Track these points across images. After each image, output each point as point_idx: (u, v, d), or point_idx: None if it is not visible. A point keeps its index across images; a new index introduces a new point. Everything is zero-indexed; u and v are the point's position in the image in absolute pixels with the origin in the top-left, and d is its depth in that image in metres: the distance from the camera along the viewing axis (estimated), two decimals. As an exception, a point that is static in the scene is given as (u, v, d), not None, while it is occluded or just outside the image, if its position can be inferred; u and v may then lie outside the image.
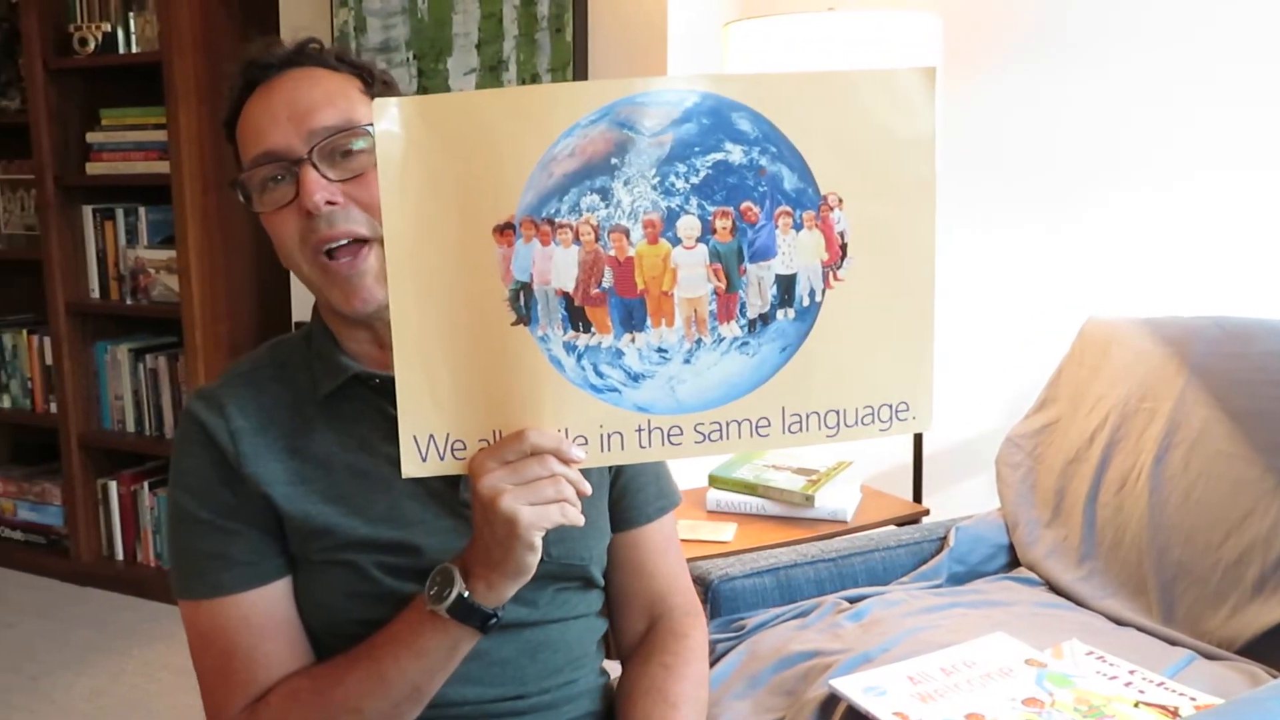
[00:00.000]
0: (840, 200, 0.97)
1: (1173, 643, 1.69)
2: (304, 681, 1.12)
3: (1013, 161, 2.42)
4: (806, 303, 0.98)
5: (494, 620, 1.03)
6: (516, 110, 0.91)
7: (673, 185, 0.93)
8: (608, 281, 0.94)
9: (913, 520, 2.27)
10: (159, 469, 3.51)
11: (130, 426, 3.47)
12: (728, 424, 0.99)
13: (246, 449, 1.12)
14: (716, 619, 1.81)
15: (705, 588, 1.81)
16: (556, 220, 0.92)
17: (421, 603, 1.04)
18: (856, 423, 1.02)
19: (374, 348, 1.17)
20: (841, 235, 0.97)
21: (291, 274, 3.00)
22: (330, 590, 1.13)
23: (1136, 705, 1.43)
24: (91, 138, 3.33)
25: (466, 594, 1.01)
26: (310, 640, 1.16)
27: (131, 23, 3.22)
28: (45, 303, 3.42)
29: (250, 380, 1.18)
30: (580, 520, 0.98)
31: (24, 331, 3.60)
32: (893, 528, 2.13)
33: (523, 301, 0.94)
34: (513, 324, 0.94)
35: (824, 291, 0.98)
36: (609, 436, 0.98)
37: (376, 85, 1.17)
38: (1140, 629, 1.74)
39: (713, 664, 1.66)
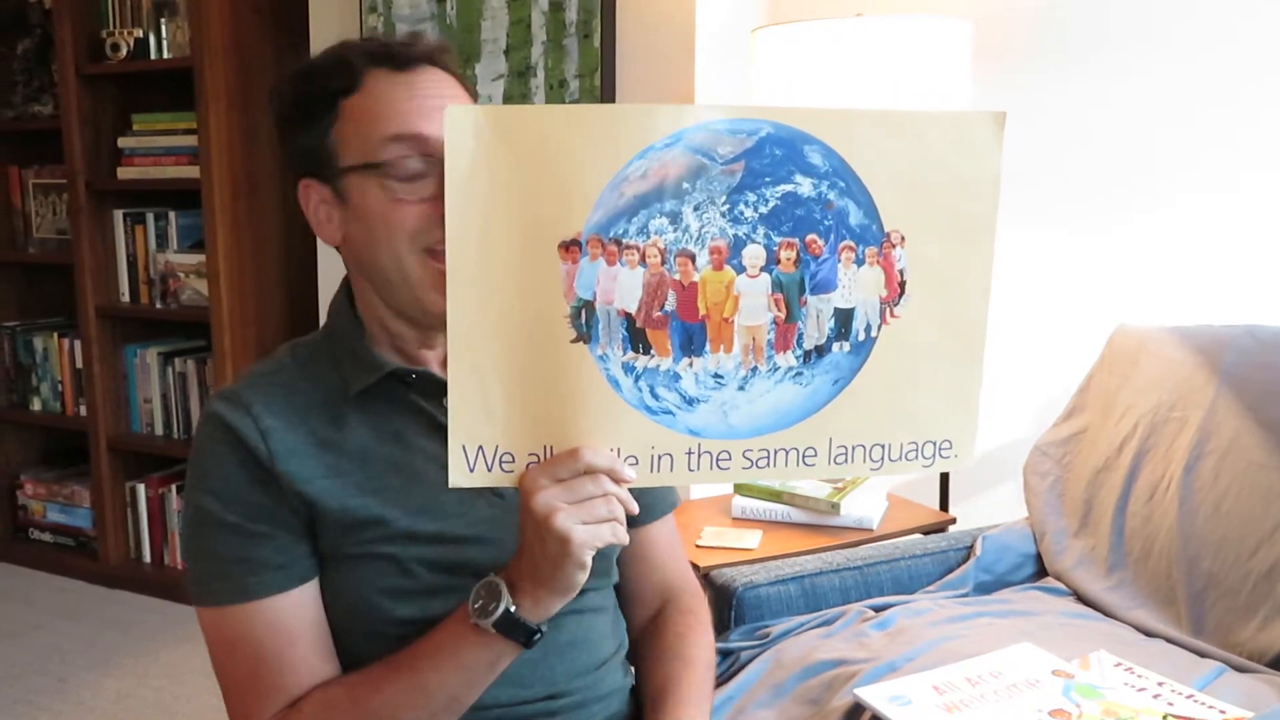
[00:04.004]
0: (903, 238, 0.98)
1: (1202, 654, 1.67)
2: (338, 690, 1.11)
3: (1043, 168, 2.41)
4: (862, 337, 1.00)
5: (538, 636, 1.03)
6: (591, 129, 0.91)
7: (741, 214, 0.94)
8: (670, 305, 0.95)
9: (939, 529, 2.26)
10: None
11: (159, 430, 3.49)
12: (775, 451, 1.01)
13: (278, 446, 1.11)
14: (740, 626, 1.80)
15: (729, 595, 1.81)
16: (624, 241, 0.93)
17: (464, 614, 1.04)
18: (900, 458, 1.04)
19: (416, 347, 1.17)
20: (901, 273, 0.99)
21: (320, 278, 3.03)
22: (369, 585, 1.12)
23: (1165, 718, 1.42)
24: (123, 143, 3.36)
25: (514, 609, 1.01)
26: (344, 644, 1.15)
27: (163, 28, 3.25)
28: (76, 306, 3.45)
29: (274, 380, 1.17)
30: (627, 539, 0.99)
31: (55, 335, 3.63)
32: (919, 536, 2.12)
33: (584, 320, 0.94)
34: (572, 341, 0.95)
35: (879, 327, 1.00)
36: (659, 458, 0.99)
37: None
38: (1169, 640, 1.72)
39: (736, 672, 1.66)
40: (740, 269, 0.95)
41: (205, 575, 1.12)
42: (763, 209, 0.94)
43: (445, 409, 1.16)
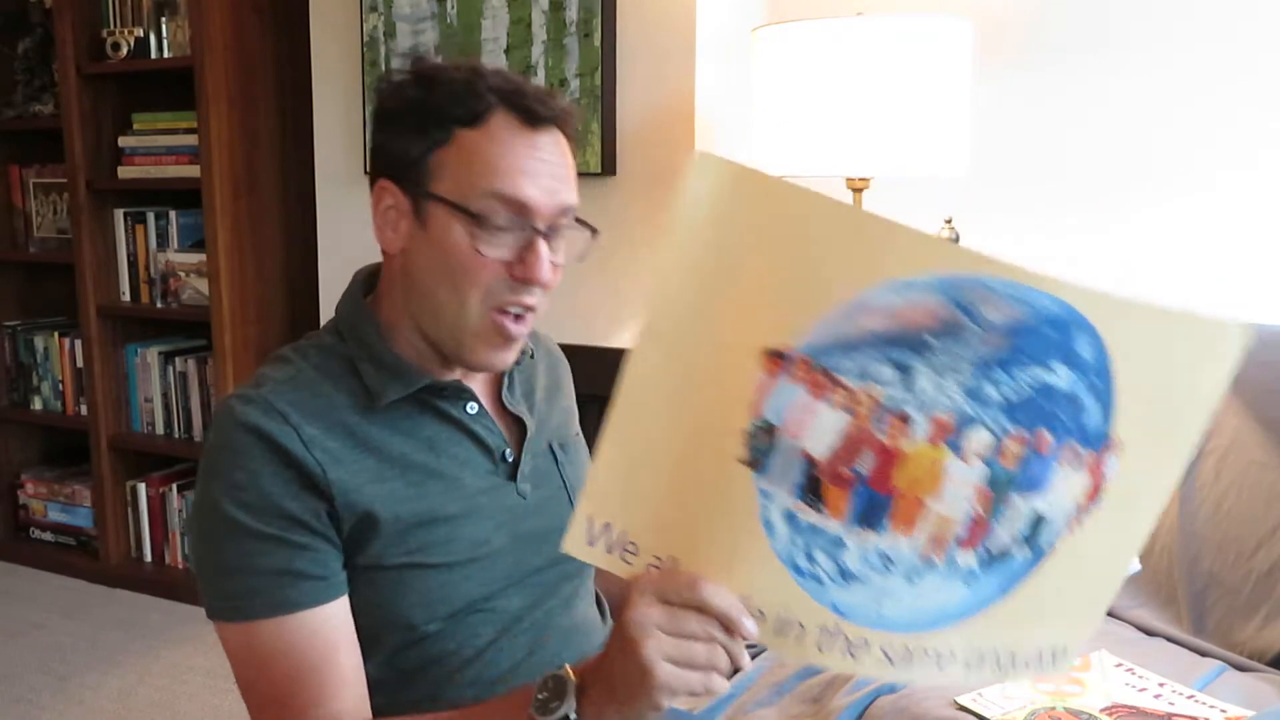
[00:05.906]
0: (1121, 445, 0.84)
1: (1203, 654, 1.67)
2: None
3: (1042, 166, 2.41)
4: (1044, 545, 0.85)
5: None
6: (849, 233, 0.77)
7: (985, 393, 0.78)
8: (865, 467, 0.79)
9: (940, 528, 2.25)
10: (188, 471, 3.53)
11: (160, 429, 3.49)
12: (915, 650, 0.86)
13: (322, 456, 1.07)
14: (742, 626, 1.80)
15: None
16: (837, 375, 0.78)
17: (525, 698, 0.94)
18: (1025, 665, 0.91)
19: (436, 366, 1.16)
20: (1103, 480, 0.85)
21: (320, 278, 3.02)
22: (407, 597, 1.10)
23: (1167, 717, 1.42)
24: (124, 142, 3.35)
25: (573, 717, 0.90)
26: (370, 660, 1.12)
27: (164, 27, 3.25)
28: (77, 305, 3.45)
29: (298, 385, 1.12)
30: (723, 690, 0.86)
31: (55, 334, 3.63)
32: (920, 535, 2.12)
33: (761, 443, 0.80)
34: (740, 460, 0.81)
35: (1061, 536, 0.86)
36: (788, 623, 0.85)
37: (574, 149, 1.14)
38: (1170, 639, 1.72)
39: (736, 670, 1.66)
40: (956, 449, 0.79)
41: (234, 590, 1.07)
42: (1009, 394, 0.78)
43: (469, 414, 1.16)
